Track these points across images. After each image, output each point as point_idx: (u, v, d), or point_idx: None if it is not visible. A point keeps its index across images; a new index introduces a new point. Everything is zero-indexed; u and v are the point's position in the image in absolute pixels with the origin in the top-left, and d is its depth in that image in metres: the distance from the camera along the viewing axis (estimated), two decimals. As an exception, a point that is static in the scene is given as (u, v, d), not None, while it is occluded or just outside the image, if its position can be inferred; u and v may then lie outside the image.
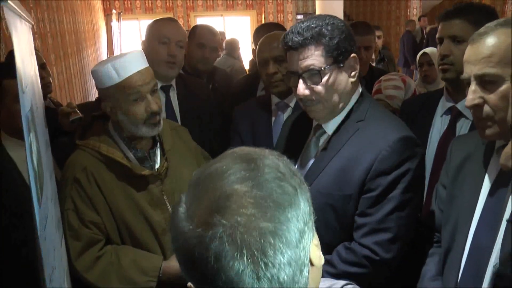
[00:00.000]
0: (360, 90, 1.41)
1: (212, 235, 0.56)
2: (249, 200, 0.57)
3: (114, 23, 7.59)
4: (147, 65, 1.54)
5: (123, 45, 8.12)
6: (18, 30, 0.95)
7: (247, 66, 5.24)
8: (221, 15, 9.72)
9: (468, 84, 1.12)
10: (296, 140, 1.53)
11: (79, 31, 5.43)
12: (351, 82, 1.35)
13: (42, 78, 2.06)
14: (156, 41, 2.09)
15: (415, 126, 1.61)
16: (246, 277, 0.55)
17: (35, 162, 0.89)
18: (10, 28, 0.82)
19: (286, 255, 0.57)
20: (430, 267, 1.35)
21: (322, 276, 0.75)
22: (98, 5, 8.28)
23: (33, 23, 1.47)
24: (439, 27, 1.69)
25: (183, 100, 2.22)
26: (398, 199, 1.27)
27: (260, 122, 2.01)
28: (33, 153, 0.88)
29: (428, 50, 3.08)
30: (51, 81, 2.61)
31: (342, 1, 4.77)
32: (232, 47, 5.26)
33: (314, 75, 1.30)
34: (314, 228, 0.65)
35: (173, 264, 1.53)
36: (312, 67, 1.29)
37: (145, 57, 1.56)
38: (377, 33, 4.25)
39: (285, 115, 1.95)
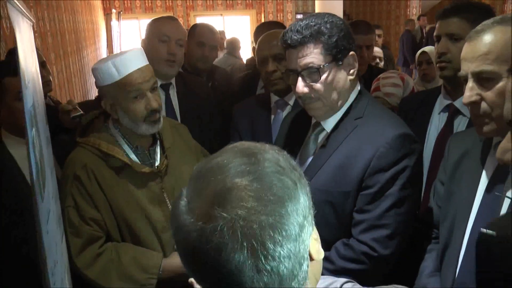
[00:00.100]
0: (359, 87, 1.42)
1: (212, 228, 0.56)
2: (249, 194, 0.58)
3: (114, 22, 7.58)
4: (147, 62, 1.55)
5: (123, 44, 8.10)
6: (21, 27, 0.96)
7: (246, 66, 5.25)
8: (221, 15, 9.72)
9: (466, 81, 1.13)
10: (295, 138, 1.54)
11: (79, 30, 5.43)
12: (350, 80, 1.36)
13: (42, 76, 2.05)
14: (156, 39, 2.09)
15: (413, 124, 1.62)
16: (246, 270, 0.56)
17: (37, 156, 0.90)
18: (14, 25, 0.83)
19: (286, 248, 0.58)
20: (428, 263, 1.36)
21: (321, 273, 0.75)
22: (98, 4, 8.28)
23: (34, 21, 1.47)
24: (437, 25, 1.70)
25: (183, 98, 2.23)
26: (396, 196, 1.28)
27: (260, 120, 2.01)
28: (36, 148, 0.89)
29: (427, 49, 3.09)
30: (51, 79, 2.61)
31: (342, 1, 4.78)
32: (233, 46, 5.27)
33: (313, 73, 1.31)
34: (313, 222, 0.66)
35: (173, 261, 1.54)
36: (311, 65, 1.30)
37: (145, 54, 1.56)
38: (377, 32, 4.27)
39: (284, 113, 1.95)
